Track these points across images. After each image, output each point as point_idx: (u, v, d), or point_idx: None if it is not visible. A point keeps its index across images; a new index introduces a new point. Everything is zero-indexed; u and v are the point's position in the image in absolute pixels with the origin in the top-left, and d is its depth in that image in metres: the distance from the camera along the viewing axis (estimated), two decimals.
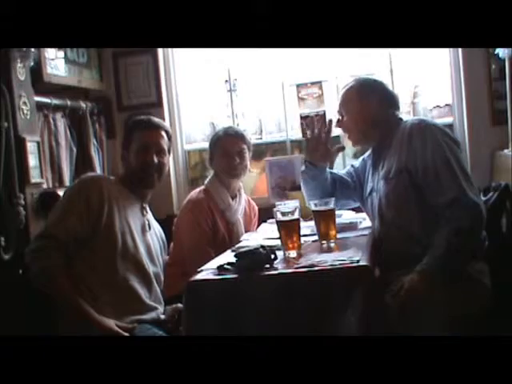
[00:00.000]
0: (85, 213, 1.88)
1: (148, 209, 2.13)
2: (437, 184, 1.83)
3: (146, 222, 2.08)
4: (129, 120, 2.18)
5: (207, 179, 2.61)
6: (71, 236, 1.86)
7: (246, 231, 2.58)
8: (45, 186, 2.60)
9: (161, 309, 2.03)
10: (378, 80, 2.20)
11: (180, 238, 2.46)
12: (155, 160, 2.04)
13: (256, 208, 2.75)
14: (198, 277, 1.71)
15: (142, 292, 1.96)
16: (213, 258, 1.98)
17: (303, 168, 2.20)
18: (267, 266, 1.67)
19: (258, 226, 2.70)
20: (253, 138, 3.45)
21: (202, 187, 2.57)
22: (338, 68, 3.27)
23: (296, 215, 1.82)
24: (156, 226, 2.17)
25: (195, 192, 2.56)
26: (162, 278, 2.11)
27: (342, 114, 2.13)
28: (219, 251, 2.14)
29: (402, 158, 1.92)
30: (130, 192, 2.05)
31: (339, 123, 2.14)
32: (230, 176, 2.52)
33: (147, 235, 2.06)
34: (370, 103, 2.05)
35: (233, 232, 2.51)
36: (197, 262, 1.89)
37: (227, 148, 2.53)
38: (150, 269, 2.02)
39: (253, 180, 3.50)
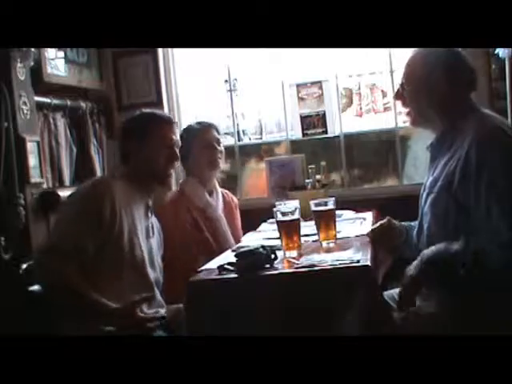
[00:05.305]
0: (97, 226, 1.81)
1: (153, 209, 2.08)
2: None
3: (150, 226, 2.03)
4: (139, 113, 2.10)
5: (180, 181, 2.56)
6: (81, 250, 1.78)
7: (229, 225, 2.54)
8: (45, 186, 2.60)
9: (162, 311, 2.00)
10: (455, 50, 1.75)
11: (166, 242, 2.42)
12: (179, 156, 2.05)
13: (235, 199, 2.73)
14: (199, 277, 1.71)
15: (145, 305, 1.91)
16: (200, 257, 1.99)
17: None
18: (267, 266, 1.67)
19: (242, 219, 2.69)
20: (253, 138, 3.47)
21: (176, 189, 2.51)
22: (338, 68, 3.27)
23: (296, 215, 1.82)
24: (156, 225, 2.13)
25: (167, 195, 2.49)
26: (162, 280, 2.08)
27: (403, 84, 1.81)
28: (205, 251, 2.14)
29: (453, 186, 1.63)
30: (136, 190, 1.99)
31: (398, 95, 1.83)
32: (213, 167, 2.48)
33: (150, 240, 2.02)
34: (439, 79, 1.70)
35: (216, 229, 2.46)
36: (185, 263, 1.88)
37: (208, 139, 2.48)
38: (152, 275, 1.98)
39: (252, 180, 3.50)
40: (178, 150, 2.04)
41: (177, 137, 2.07)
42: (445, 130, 1.76)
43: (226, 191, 2.72)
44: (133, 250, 1.89)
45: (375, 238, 1.93)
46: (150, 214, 2.05)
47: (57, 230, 1.89)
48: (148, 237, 2.01)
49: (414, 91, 1.77)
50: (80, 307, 1.78)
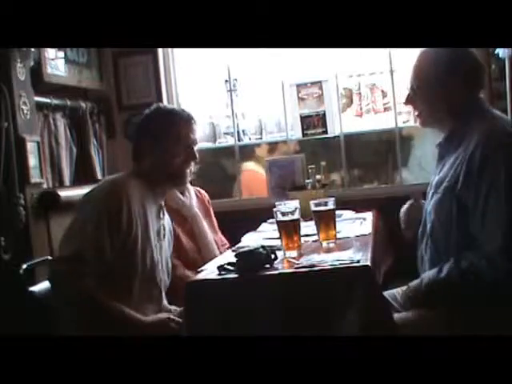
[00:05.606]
0: (116, 230, 1.75)
1: (165, 209, 2.02)
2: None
3: (162, 227, 1.97)
4: (157, 109, 2.02)
5: None
6: (102, 256, 1.73)
7: (205, 221, 2.50)
8: (45, 185, 2.61)
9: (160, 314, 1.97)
10: (463, 48, 1.74)
11: None
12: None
13: (207, 195, 2.67)
14: (199, 277, 1.71)
15: (151, 310, 1.89)
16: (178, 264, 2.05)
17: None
18: (267, 266, 1.67)
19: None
20: (253, 138, 3.46)
21: None
22: (338, 68, 3.27)
23: (296, 215, 1.82)
24: (168, 225, 2.07)
25: None
26: (168, 283, 2.02)
27: (413, 87, 1.80)
28: (189, 254, 2.18)
29: (457, 187, 1.64)
30: (149, 190, 1.91)
31: (409, 100, 1.83)
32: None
33: (161, 242, 1.96)
34: (449, 78, 1.70)
35: (193, 227, 2.39)
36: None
37: None
38: (161, 282, 1.94)
39: (253, 180, 3.50)
40: (195, 150, 1.97)
41: (195, 136, 1.99)
42: (453, 130, 1.76)
43: (198, 188, 2.66)
44: (144, 257, 1.84)
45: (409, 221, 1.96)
46: (162, 215, 1.98)
47: (76, 236, 1.77)
48: (159, 240, 1.94)
49: (425, 93, 1.76)
50: (107, 319, 1.74)
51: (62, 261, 1.77)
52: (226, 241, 2.56)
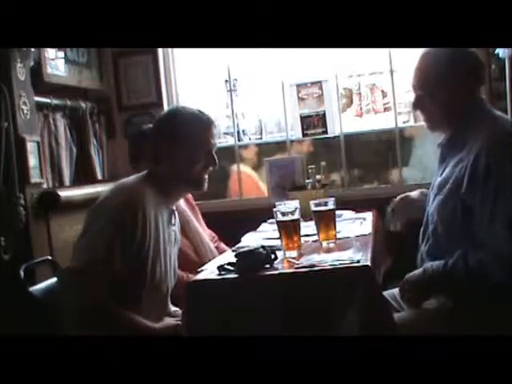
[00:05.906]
0: (128, 244, 1.69)
1: (176, 213, 1.96)
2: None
3: (173, 234, 1.90)
4: (175, 112, 1.94)
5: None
6: (112, 268, 1.66)
7: (194, 218, 2.49)
8: (45, 185, 2.61)
9: (169, 319, 1.96)
10: (463, 48, 1.73)
11: None
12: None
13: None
14: (199, 277, 1.71)
15: (157, 313, 1.85)
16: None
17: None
18: (267, 266, 1.67)
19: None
20: (253, 138, 3.47)
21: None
22: (338, 68, 3.27)
23: (296, 215, 1.82)
24: (178, 228, 2.01)
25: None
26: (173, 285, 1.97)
27: (417, 90, 1.78)
28: (186, 254, 2.18)
29: (461, 190, 1.63)
30: (163, 195, 1.84)
31: (417, 104, 1.81)
32: None
33: (172, 249, 1.90)
34: (454, 80, 1.70)
35: (185, 226, 2.34)
36: None
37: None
38: (169, 288, 1.90)
39: (253, 180, 3.50)
40: (215, 154, 1.88)
41: (215, 140, 1.89)
42: (456, 131, 1.75)
43: None
44: (155, 265, 1.79)
45: (398, 210, 2.00)
46: (173, 221, 1.92)
47: (88, 247, 1.70)
48: (170, 245, 1.88)
49: (431, 95, 1.74)
50: (117, 327, 1.70)
51: (72, 272, 1.70)
52: (213, 233, 2.58)
